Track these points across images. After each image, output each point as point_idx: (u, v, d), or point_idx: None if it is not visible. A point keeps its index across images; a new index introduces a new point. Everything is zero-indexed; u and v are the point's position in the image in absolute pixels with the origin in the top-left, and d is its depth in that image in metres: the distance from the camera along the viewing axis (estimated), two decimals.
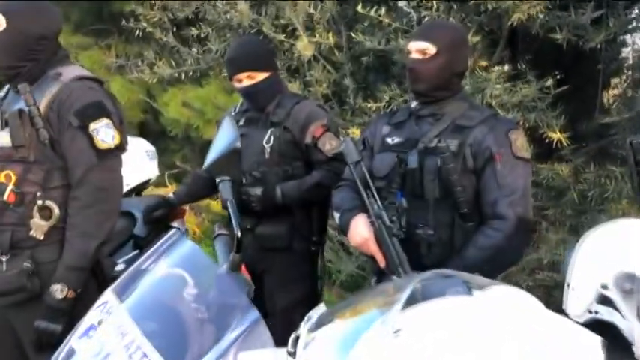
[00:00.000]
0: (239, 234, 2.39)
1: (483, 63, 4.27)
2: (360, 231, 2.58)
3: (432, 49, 2.59)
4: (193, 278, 2.24)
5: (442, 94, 2.65)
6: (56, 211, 2.65)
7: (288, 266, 3.32)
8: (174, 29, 5.82)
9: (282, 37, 4.86)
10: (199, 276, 2.28)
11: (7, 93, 2.81)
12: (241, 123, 3.35)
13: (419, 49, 2.61)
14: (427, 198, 2.55)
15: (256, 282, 3.00)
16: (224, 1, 5.17)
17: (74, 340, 2.32)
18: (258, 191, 3.22)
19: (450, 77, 2.64)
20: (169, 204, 3.64)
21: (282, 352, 1.60)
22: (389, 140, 2.72)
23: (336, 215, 2.73)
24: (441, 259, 2.52)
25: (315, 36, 4.65)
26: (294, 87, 4.67)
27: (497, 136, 2.58)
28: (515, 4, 3.99)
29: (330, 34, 4.63)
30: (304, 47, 4.68)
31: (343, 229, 2.67)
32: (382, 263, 2.54)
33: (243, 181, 3.23)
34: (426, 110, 2.67)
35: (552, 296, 4.02)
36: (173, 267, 2.34)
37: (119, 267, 3.60)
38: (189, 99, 6.06)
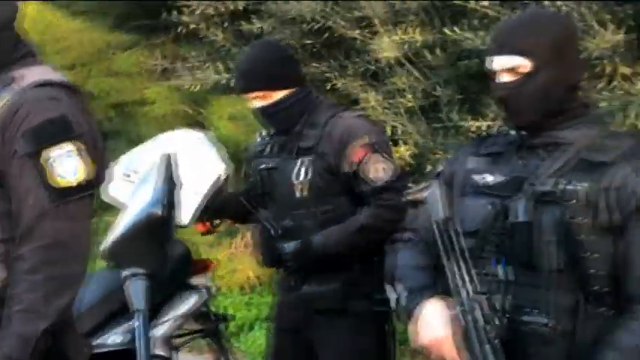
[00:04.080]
0: None
1: (626, 70, 3.75)
2: (432, 326, 2.11)
3: (525, 65, 2.12)
4: None
5: (557, 120, 2.20)
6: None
7: (345, 335, 2.94)
8: (225, 25, 5.42)
9: (356, 33, 4.35)
10: None
11: None
12: (267, 151, 3.03)
13: (507, 67, 2.14)
14: (541, 269, 2.09)
15: (307, 356, 2.94)
16: None
17: None
18: (291, 246, 2.87)
19: (565, 93, 2.19)
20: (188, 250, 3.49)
21: None
22: (477, 179, 2.26)
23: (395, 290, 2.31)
24: None
25: (398, 32, 4.17)
26: (370, 98, 4.26)
27: None
28: None
29: (419, 30, 4.17)
30: (385, 47, 4.21)
31: (401, 315, 2.20)
32: None
33: (272, 233, 2.94)
34: (536, 139, 2.22)
35: None
36: None
37: (112, 340, 3.36)
38: (238, 111, 5.50)
